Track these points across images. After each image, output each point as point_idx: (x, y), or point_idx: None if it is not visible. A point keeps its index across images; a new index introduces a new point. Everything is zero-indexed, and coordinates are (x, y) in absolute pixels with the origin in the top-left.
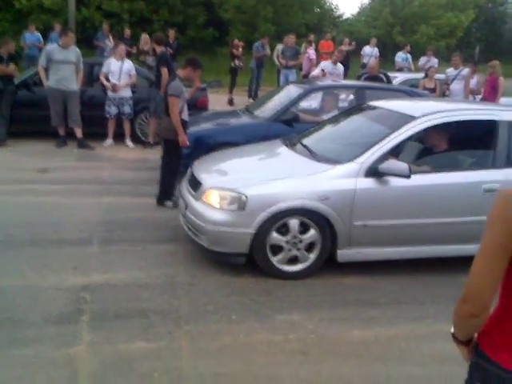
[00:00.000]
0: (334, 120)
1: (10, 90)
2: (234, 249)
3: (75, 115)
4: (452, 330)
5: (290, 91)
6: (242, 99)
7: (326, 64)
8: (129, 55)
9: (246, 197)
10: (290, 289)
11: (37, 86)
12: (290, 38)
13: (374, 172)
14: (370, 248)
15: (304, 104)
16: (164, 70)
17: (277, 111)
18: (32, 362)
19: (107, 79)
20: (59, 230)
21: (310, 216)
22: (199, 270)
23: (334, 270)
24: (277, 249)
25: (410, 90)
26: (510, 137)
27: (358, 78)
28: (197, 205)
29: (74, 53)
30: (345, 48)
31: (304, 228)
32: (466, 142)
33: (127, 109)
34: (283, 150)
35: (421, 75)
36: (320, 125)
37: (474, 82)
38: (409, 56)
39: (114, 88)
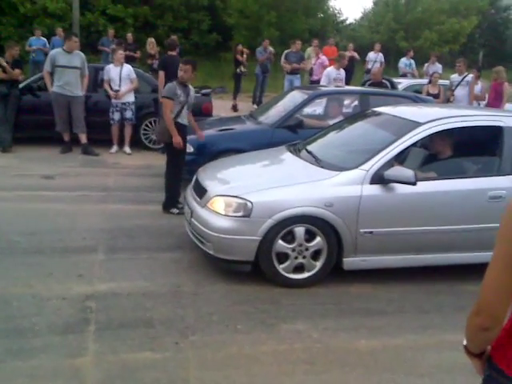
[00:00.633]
0: (339, 126)
1: (15, 95)
2: (240, 256)
3: (80, 121)
4: (464, 343)
5: (295, 97)
6: (246, 105)
7: (329, 70)
8: (133, 60)
9: (252, 204)
10: (295, 297)
11: (41, 91)
12: (297, 44)
13: (379, 179)
14: (375, 256)
15: (308, 110)
16: (161, 74)
17: (281, 117)
18: (37, 373)
19: (110, 86)
20: (64, 237)
21: (315, 223)
22: (204, 279)
23: (338, 278)
24: (283, 256)
25: (414, 96)
26: None
27: (362, 85)
28: (202, 212)
29: (78, 58)
30: (349, 54)
31: (310, 236)
32: (472, 148)
33: (129, 113)
34: (288, 157)
35: (424, 81)
36: (325, 131)
37: (478, 87)
38: (412, 62)
39: (117, 96)
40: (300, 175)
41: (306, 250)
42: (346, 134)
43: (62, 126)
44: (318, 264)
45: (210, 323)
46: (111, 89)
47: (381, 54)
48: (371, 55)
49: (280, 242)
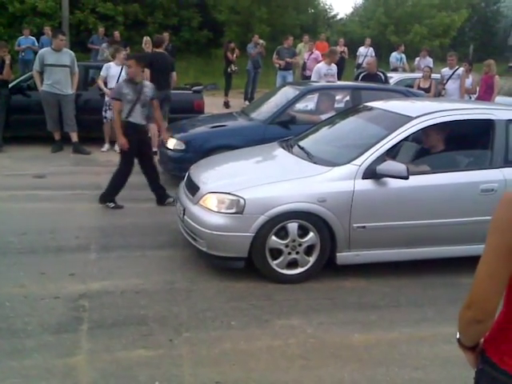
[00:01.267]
0: (331, 122)
1: (5, 94)
2: (233, 253)
3: (70, 119)
4: (457, 336)
5: (286, 93)
6: (237, 102)
7: (319, 66)
8: None
9: (244, 200)
10: (289, 293)
11: (31, 91)
12: (289, 40)
13: (371, 173)
14: (369, 250)
15: (300, 105)
16: (146, 72)
17: (273, 113)
18: (31, 372)
19: (105, 83)
20: (56, 236)
21: (308, 219)
22: (198, 276)
23: (332, 273)
24: (276, 252)
25: (405, 90)
26: (507, 136)
27: (356, 77)
28: (195, 209)
29: (67, 56)
30: (340, 49)
31: (303, 231)
32: (463, 141)
33: None
34: (280, 153)
35: (415, 75)
36: (317, 126)
37: (469, 81)
38: (403, 56)
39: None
40: (292, 171)
41: (300, 245)
42: (338, 130)
43: (52, 125)
44: (312, 259)
45: (204, 320)
46: (106, 86)
47: (371, 49)
48: (362, 50)
49: (273, 237)
